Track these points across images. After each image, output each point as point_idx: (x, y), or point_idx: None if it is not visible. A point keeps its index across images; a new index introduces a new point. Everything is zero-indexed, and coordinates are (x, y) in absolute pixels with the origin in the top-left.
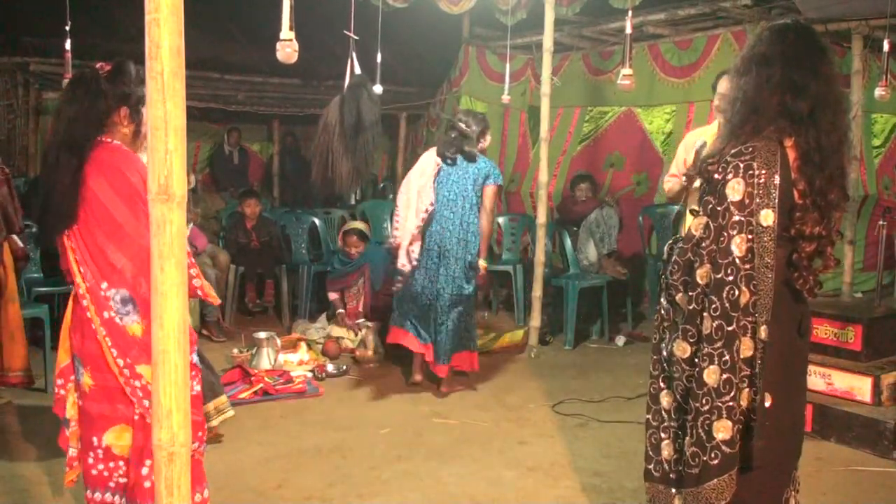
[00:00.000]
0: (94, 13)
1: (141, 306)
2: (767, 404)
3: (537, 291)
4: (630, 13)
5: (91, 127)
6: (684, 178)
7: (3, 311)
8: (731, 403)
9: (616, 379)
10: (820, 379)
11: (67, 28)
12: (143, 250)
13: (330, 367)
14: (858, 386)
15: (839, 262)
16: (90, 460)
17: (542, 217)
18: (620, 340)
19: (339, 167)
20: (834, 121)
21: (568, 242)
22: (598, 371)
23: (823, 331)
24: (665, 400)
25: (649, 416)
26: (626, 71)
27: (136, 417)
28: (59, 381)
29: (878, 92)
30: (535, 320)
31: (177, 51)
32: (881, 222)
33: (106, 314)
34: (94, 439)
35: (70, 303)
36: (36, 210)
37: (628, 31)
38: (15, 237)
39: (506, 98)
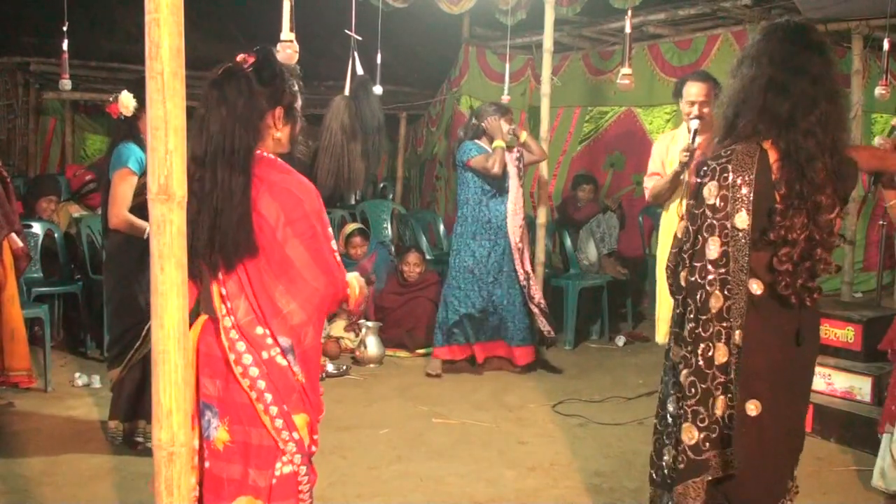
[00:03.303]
0: (95, 13)
1: (300, 359)
2: (755, 413)
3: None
4: (630, 13)
5: (250, 135)
6: (685, 155)
7: (3, 311)
8: (695, 408)
9: (616, 379)
10: (820, 379)
11: (65, 28)
12: (316, 294)
13: (330, 367)
14: (858, 386)
15: (840, 267)
16: None
17: (542, 217)
18: (620, 340)
19: (356, 167)
20: (822, 121)
21: (568, 242)
22: (598, 371)
23: (823, 331)
24: (670, 406)
25: (657, 422)
26: (626, 71)
27: (274, 482)
28: None
29: (878, 92)
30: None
31: (177, 51)
32: (881, 222)
33: (265, 353)
34: None
35: (195, 340)
36: (199, 240)
37: (627, 30)
38: (14, 237)
39: (506, 98)
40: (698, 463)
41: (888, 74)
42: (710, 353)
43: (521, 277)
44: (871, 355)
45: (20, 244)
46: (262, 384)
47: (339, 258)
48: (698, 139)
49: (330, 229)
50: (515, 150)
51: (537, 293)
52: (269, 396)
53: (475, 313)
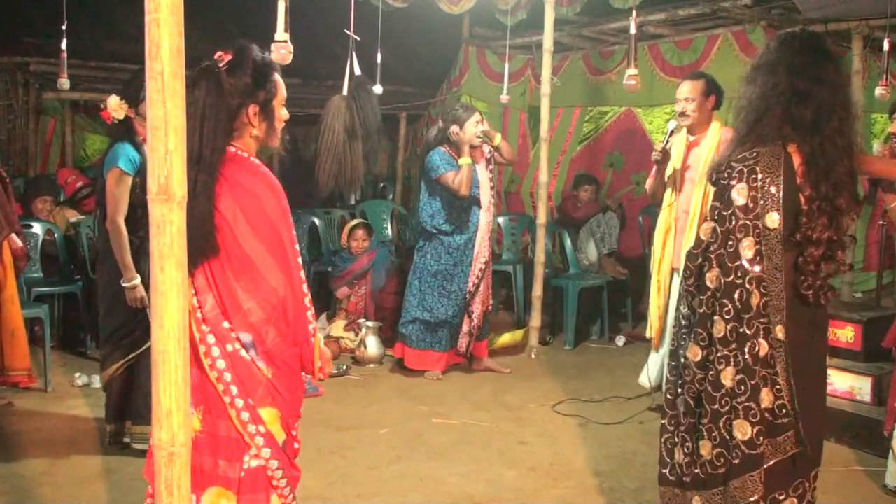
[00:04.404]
0: (95, 13)
1: (263, 356)
2: (765, 405)
3: (537, 291)
4: (634, 13)
5: (218, 134)
6: (656, 154)
7: (3, 311)
8: (746, 404)
9: (616, 379)
10: None
11: (64, 28)
12: (274, 294)
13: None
14: (858, 386)
15: (852, 266)
16: None
17: (542, 217)
18: (620, 340)
19: (357, 167)
20: (840, 128)
21: (568, 242)
22: (598, 371)
23: None
24: (681, 405)
25: (664, 422)
26: (632, 71)
27: (242, 474)
28: None
29: (878, 92)
30: (536, 320)
31: (177, 51)
32: (881, 222)
33: (230, 346)
34: (193, 498)
35: None
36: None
37: (633, 30)
38: (14, 237)
39: (504, 98)
40: (754, 457)
41: (888, 74)
42: (755, 350)
43: (470, 287)
44: (872, 355)
45: (20, 244)
46: (228, 377)
47: (301, 262)
48: (672, 139)
49: (294, 232)
50: (486, 150)
51: (477, 311)
52: (234, 389)
53: (429, 318)
